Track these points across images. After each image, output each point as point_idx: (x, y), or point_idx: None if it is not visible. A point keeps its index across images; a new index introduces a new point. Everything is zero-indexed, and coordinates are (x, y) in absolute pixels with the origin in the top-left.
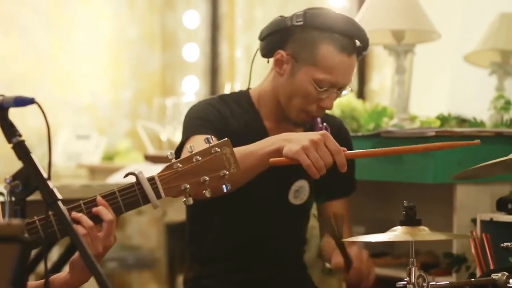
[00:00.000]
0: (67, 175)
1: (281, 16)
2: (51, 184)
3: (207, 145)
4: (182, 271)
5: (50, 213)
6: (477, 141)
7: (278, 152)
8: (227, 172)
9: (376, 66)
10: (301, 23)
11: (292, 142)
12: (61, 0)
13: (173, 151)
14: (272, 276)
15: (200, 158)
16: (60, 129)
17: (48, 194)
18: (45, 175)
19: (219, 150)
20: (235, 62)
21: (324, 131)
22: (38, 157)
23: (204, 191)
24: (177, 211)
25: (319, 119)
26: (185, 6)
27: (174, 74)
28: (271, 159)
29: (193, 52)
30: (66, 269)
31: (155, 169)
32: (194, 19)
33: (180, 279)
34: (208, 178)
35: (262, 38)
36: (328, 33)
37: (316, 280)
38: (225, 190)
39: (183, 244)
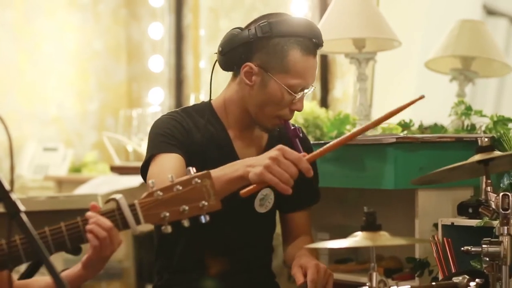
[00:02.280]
0: (35, 188)
1: (238, 28)
2: (14, 195)
3: (188, 176)
4: (150, 281)
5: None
6: (422, 95)
7: (242, 178)
8: (206, 203)
9: (339, 74)
10: (267, 34)
11: (255, 166)
12: (27, 13)
13: (153, 180)
14: (241, 284)
15: (180, 188)
16: (27, 142)
17: (11, 205)
18: (7, 187)
19: (199, 181)
20: (200, 73)
21: (280, 146)
22: (5, 170)
23: (183, 220)
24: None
25: (290, 121)
26: (150, 18)
27: (140, 85)
28: (242, 191)
29: (158, 64)
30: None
31: (121, 180)
32: (158, 30)
33: None
34: (187, 208)
35: (224, 53)
36: (293, 38)
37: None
38: (203, 221)
39: (152, 254)
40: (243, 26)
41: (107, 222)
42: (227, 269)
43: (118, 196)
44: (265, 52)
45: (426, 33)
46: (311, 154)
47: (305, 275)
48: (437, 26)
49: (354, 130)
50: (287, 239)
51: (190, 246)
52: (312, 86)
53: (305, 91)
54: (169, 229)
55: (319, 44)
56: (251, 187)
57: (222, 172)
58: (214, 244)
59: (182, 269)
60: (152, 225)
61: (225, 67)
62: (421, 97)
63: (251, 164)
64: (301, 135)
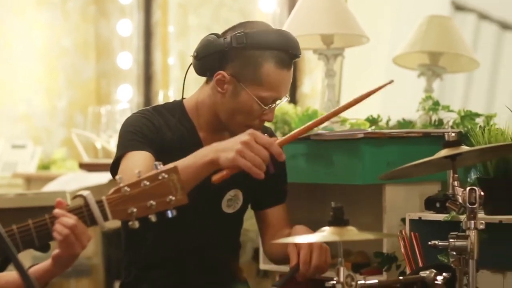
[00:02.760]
0: (3, 185)
1: (215, 35)
2: None
3: (155, 171)
4: (119, 278)
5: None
6: (391, 80)
7: (213, 163)
8: (173, 198)
9: (307, 70)
10: (242, 45)
11: (226, 151)
12: None
13: (121, 176)
14: (209, 280)
15: (147, 183)
16: None
17: None
18: None
19: (166, 176)
20: (169, 69)
21: (251, 130)
22: None
23: (150, 216)
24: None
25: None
26: (119, 14)
27: (109, 82)
28: (214, 177)
29: (127, 60)
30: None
31: (90, 177)
32: (127, 27)
33: (117, 286)
34: (154, 203)
35: (199, 58)
36: (269, 51)
37: (251, 283)
38: (169, 216)
39: (120, 251)
40: (211, 23)
41: (69, 221)
42: (194, 266)
43: (85, 193)
44: (239, 62)
45: (394, 29)
46: (282, 138)
47: (298, 255)
48: (405, 22)
49: (323, 115)
50: (266, 235)
51: (158, 243)
52: (286, 96)
53: (277, 102)
54: (136, 224)
55: (295, 55)
56: (223, 172)
57: (192, 159)
58: (181, 242)
59: (149, 266)
60: (120, 221)
61: (199, 72)
62: (390, 82)
63: (221, 149)
64: None
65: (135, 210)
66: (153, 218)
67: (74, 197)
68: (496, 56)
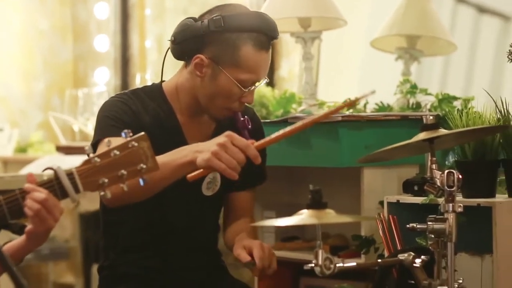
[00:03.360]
0: None
1: (192, 19)
2: None
3: (124, 140)
4: (97, 261)
5: None
6: (373, 90)
7: (191, 164)
8: (145, 166)
9: (285, 53)
10: (220, 28)
11: (203, 152)
12: None
13: (89, 145)
14: (187, 263)
15: (117, 153)
16: None
17: None
18: None
19: (136, 144)
20: (146, 52)
21: (228, 132)
22: None
23: (122, 185)
24: (90, 201)
25: (239, 113)
26: None
27: (86, 65)
28: (189, 176)
29: (104, 43)
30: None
31: (67, 160)
32: (104, 10)
33: (95, 268)
34: (125, 172)
35: (177, 43)
36: (247, 33)
37: (229, 267)
38: (142, 184)
39: (98, 233)
40: (188, 5)
41: (40, 195)
42: (173, 249)
43: (55, 166)
44: (217, 46)
45: (372, 12)
46: (259, 142)
47: (249, 255)
48: (383, 4)
49: (304, 121)
50: (227, 219)
51: (137, 226)
52: (265, 78)
53: (256, 84)
54: (108, 195)
55: (273, 37)
56: (198, 171)
57: (171, 157)
58: (161, 225)
59: (128, 249)
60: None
61: (177, 56)
62: (373, 92)
63: (199, 150)
64: (250, 126)
65: (106, 180)
66: (125, 187)
67: (44, 169)
68: (473, 39)
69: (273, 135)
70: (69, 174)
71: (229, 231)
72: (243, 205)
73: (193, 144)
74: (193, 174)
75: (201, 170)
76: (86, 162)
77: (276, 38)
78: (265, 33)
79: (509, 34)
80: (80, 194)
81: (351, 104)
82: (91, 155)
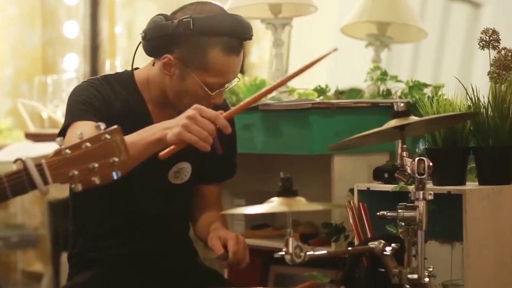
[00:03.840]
0: None
1: (163, 16)
2: None
3: (97, 132)
4: (66, 249)
5: None
6: (335, 48)
7: (160, 141)
8: (117, 159)
9: (255, 40)
10: (189, 31)
11: (172, 127)
12: None
13: (62, 138)
14: (158, 250)
15: (89, 145)
16: None
17: None
18: None
19: (109, 137)
20: (116, 39)
21: (196, 105)
22: None
23: (93, 178)
24: (59, 189)
25: None
26: None
27: (55, 51)
28: (161, 153)
29: (73, 29)
30: None
31: (36, 147)
32: None
33: (64, 256)
34: (97, 165)
35: (146, 40)
36: (216, 37)
37: (200, 254)
38: (115, 177)
39: (67, 221)
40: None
41: None
42: (143, 236)
43: (25, 157)
44: (186, 48)
45: None
46: (228, 112)
47: (224, 247)
48: None
49: (270, 86)
50: (196, 209)
51: (106, 213)
52: (237, 78)
53: (227, 85)
54: (79, 187)
55: (246, 39)
56: (170, 148)
57: (139, 137)
58: (129, 212)
59: (97, 236)
60: (67, 191)
61: (147, 52)
62: (335, 50)
63: (168, 126)
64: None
65: (76, 172)
66: (96, 180)
67: (15, 161)
68: (443, 26)
69: (240, 103)
70: (38, 165)
71: (200, 222)
72: (212, 196)
73: (161, 122)
74: (165, 151)
75: (173, 146)
76: (56, 154)
77: (250, 39)
78: (236, 37)
79: (479, 21)
80: (49, 185)
81: (315, 63)
82: (62, 146)
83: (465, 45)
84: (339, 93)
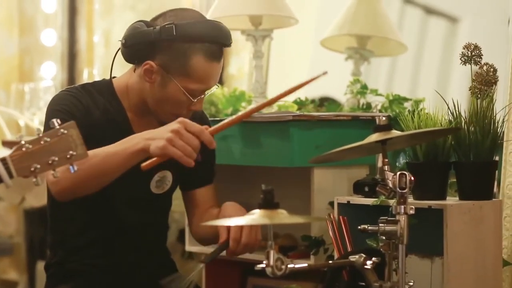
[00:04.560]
0: None
1: (143, 22)
2: None
3: (53, 127)
4: (42, 257)
5: None
6: (325, 71)
7: (143, 152)
8: (74, 153)
9: (234, 51)
10: (171, 37)
11: (156, 139)
12: None
13: (22, 134)
14: (136, 261)
15: (48, 139)
16: None
17: None
18: None
19: (65, 131)
20: (94, 47)
21: (181, 118)
22: None
23: (53, 172)
24: (36, 197)
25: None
26: None
27: (32, 59)
28: (143, 164)
29: (51, 37)
30: None
31: None
32: (51, 3)
33: (40, 265)
34: (56, 159)
35: (127, 46)
36: (198, 44)
37: (177, 264)
38: (72, 171)
39: (43, 229)
40: (136, 2)
41: None
42: (122, 247)
43: None
44: (168, 54)
45: (322, 11)
46: (213, 127)
47: (228, 232)
48: (332, 3)
49: (255, 105)
50: (194, 215)
51: (85, 224)
52: (216, 85)
53: (206, 92)
54: (39, 181)
55: (226, 45)
56: (152, 159)
57: (121, 146)
58: (109, 223)
59: (77, 247)
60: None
61: (127, 59)
62: (324, 73)
63: (151, 137)
64: None
65: (38, 166)
66: (56, 174)
67: None
68: (420, 40)
69: (227, 120)
70: (3, 160)
71: (201, 227)
72: (207, 199)
73: (143, 132)
74: (147, 162)
75: (155, 158)
76: (18, 148)
77: (229, 46)
78: (218, 43)
79: (456, 36)
80: (14, 179)
81: (304, 85)
82: (22, 141)
83: (442, 60)
84: (318, 105)
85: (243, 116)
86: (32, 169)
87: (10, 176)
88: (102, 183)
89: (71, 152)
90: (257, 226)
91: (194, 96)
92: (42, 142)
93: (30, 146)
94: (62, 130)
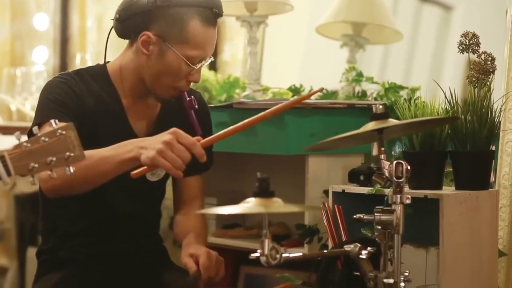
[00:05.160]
0: None
1: None
2: None
3: (52, 127)
4: (32, 243)
5: None
6: (321, 88)
7: (135, 160)
8: (72, 154)
9: (228, 37)
10: (166, 3)
11: (148, 149)
12: None
13: (18, 133)
14: (129, 249)
15: (46, 139)
16: None
17: None
18: None
19: (64, 132)
20: (86, 32)
21: (174, 129)
22: None
23: (50, 172)
24: (27, 183)
25: (186, 93)
26: None
27: (24, 44)
28: (133, 172)
29: (43, 22)
30: None
31: (4, 140)
32: None
33: (30, 251)
34: (54, 159)
35: (122, 20)
36: (194, 8)
37: (170, 253)
38: (68, 172)
39: (33, 215)
40: None
41: None
42: (115, 235)
43: None
44: (164, 21)
45: None
46: (205, 139)
47: (196, 263)
48: None
49: (251, 118)
50: (178, 203)
51: (78, 211)
52: (210, 57)
53: (203, 62)
54: (36, 181)
55: (219, 14)
56: (142, 168)
57: (115, 152)
58: (102, 210)
59: (70, 234)
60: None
61: (122, 35)
62: (321, 90)
63: (143, 146)
64: (196, 106)
65: (36, 165)
66: (54, 174)
67: None
68: (414, 28)
69: (220, 132)
70: (1, 157)
71: (178, 224)
72: (192, 190)
73: (138, 139)
74: (137, 171)
75: (145, 167)
76: (17, 147)
77: (221, 16)
78: (211, 9)
79: (450, 24)
80: (12, 177)
81: (303, 99)
82: (22, 140)
83: (435, 48)
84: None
85: (236, 129)
86: (30, 168)
87: (8, 174)
88: (93, 184)
89: (68, 153)
90: (221, 260)
91: (193, 63)
92: (40, 141)
93: (29, 145)
94: (60, 130)
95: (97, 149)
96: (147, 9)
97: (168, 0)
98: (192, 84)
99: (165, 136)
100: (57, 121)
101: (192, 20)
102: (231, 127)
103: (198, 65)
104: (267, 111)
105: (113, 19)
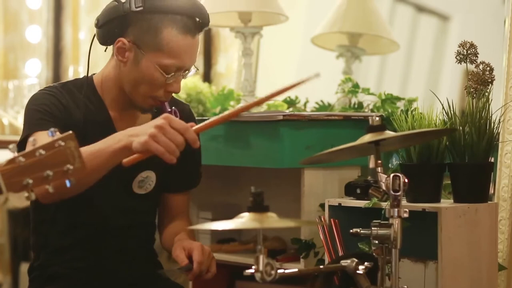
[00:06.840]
0: None
1: (115, 1)
2: None
3: (50, 139)
4: (25, 259)
5: None
6: (317, 73)
7: (126, 149)
8: (71, 167)
9: (223, 49)
10: (141, 8)
11: (139, 135)
12: None
13: (14, 145)
14: (121, 263)
15: (43, 152)
16: None
17: None
18: None
19: (63, 143)
20: (79, 44)
21: (166, 114)
22: None
23: (47, 186)
24: (20, 197)
25: (166, 103)
26: None
27: (16, 56)
28: (124, 160)
29: (36, 34)
30: None
31: None
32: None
33: (23, 266)
34: (51, 173)
35: (100, 26)
36: (170, 15)
37: (164, 267)
38: (68, 185)
39: (27, 230)
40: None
41: None
42: (107, 249)
43: None
44: (139, 27)
45: (312, 8)
46: (198, 125)
47: (188, 257)
48: (323, 0)
49: (244, 104)
50: (163, 219)
51: (68, 226)
52: (195, 67)
53: (185, 72)
54: (33, 196)
55: (202, 23)
56: (134, 156)
57: (104, 145)
58: (92, 224)
59: (60, 249)
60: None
61: (101, 41)
62: (317, 75)
63: (134, 134)
64: (177, 117)
65: (31, 181)
66: (50, 189)
67: None
68: (411, 38)
69: (213, 118)
70: None
71: (166, 232)
72: (179, 206)
73: (127, 129)
74: (129, 158)
75: (137, 154)
76: (10, 162)
77: (207, 25)
78: (191, 17)
79: (447, 34)
80: (4, 195)
81: (296, 86)
82: (16, 154)
83: (433, 58)
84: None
85: (230, 115)
86: (25, 183)
87: (0, 191)
88: (86, 183)
89: (68, 166)
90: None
91: (168, 72)
92: (36, 155)
93: (23, 160)
94: (59, 142)
95: (85, 146)
96: (122, 14)
97: (141, 6)
98: (187, 96)
99: (157, 120)
100: (57, 132)
101: (167, 28)
102: (221, 116)
103: (175, 75)
104: (256, 100)
105: (94, 25)
